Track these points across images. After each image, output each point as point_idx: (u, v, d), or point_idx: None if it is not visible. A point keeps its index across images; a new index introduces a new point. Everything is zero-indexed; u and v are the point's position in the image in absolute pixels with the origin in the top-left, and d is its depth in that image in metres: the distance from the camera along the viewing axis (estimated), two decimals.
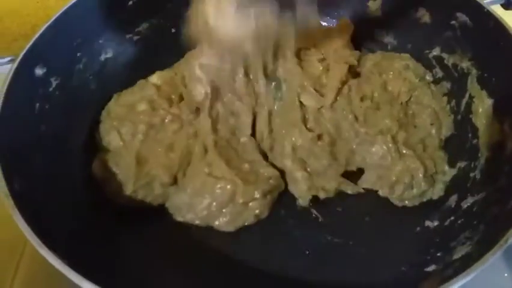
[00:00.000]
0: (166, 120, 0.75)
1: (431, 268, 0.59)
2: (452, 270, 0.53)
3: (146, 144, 0.73)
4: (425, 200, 0.70)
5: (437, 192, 0.70)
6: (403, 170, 0.70)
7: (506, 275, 0.71)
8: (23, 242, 0.71)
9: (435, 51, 0.79)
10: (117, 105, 0.77)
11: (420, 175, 0.70)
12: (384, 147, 0.72)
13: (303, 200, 0.70)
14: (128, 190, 0.68)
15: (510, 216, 0.52)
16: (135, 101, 0.77)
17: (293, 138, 0.72)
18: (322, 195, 0.70)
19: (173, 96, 0.78)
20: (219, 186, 0.68)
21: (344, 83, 0.77)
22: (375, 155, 0.72)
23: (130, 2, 0.82)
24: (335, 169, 0.72)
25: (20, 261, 0.71)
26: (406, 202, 0.71)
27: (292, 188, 0.71)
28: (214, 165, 0.70)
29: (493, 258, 0.48)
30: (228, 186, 0.67)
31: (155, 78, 0.80)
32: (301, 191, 0.70)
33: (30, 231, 0.48)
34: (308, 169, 0.71)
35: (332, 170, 0.71)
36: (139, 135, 0.73)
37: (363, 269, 0.65)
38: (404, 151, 0.72)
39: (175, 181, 0.71)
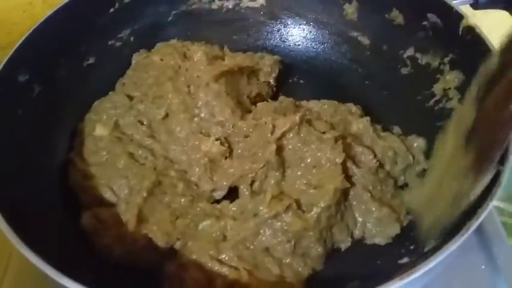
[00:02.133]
0: (177, 188, 0.72)
1: (404, 260, 0.62)
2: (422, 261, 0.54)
3: (149, 202, 0.69)
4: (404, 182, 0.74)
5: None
6: (385, 147, 0.73)
7: (483, 267, 0.73)
8: (9, 249, 0.71)
9: (409, 52, 0.81)
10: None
11: (404, 149, 0.73)
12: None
13: None
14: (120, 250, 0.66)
15: (474, 209, 0.54)
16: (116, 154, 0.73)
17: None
18: None
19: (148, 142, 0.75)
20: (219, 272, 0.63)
21: None
22: None
23: (112, 9, 0.84)
24: None
25: (8, 267, 0.72)
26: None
27: None
28: (226, 254, 0.65)
29: (454, 247, 0.50)
30: (231, 276, 0.63)
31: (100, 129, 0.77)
32: None
33: (9, 229, 0.50)
34: None
35: None
36: (142, 192, 0.69)
37: (341, 264, 0.67)
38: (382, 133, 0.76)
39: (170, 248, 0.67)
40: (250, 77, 0.85)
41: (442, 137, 0.62)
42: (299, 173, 0.70)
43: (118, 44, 0.87)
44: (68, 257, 0.54)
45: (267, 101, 0.81)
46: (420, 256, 0.58)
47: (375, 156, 0.72)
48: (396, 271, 0.57)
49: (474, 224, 0.51)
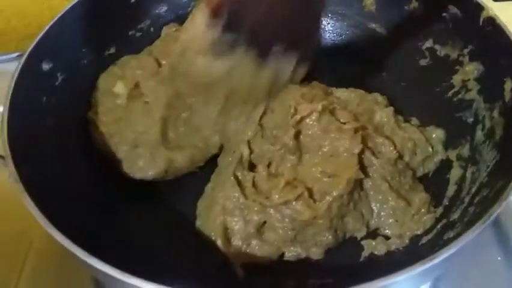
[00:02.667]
0: None
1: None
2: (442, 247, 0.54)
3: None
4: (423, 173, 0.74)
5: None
6: (405, 138, 0.74)
7: (499, 258, 0.73)
8: (29, 238, 0.74)
9: (428, 43, 0.82)
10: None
11: (423, 140, 0.74)
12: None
13: None
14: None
15: (496, 197, 0.54)
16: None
17: None
18: None
19: None
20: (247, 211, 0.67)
21: None
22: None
23: (132, 0, 0.85)
24: None
25: (27, 257, 0.73)
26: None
27: None
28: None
29: (474, 235, 0.50)
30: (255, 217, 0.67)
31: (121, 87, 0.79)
32: None
33: (38, 212, 0.51)
34: None
35: None
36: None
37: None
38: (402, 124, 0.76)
39: None
40: None
41: None
42: (316, 161, 0.71)
43: (138, 34, 0.87)
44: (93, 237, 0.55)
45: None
46: (439, 244, 0.59)
47: (395, 147, 0.72)
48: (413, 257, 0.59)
49: (496, 211, 0.51)
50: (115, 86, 0.78)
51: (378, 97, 0.80)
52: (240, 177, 0.70)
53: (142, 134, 0.74)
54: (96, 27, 0.81)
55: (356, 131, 0.71)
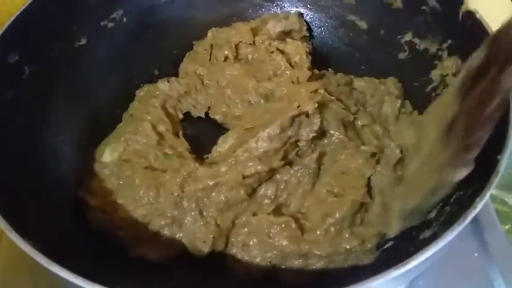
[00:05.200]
0: None
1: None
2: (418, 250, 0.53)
3: None
4: None
5: None
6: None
7: (476, 254, 0.74)
8: None
9: (408, 37, 0.81)
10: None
11: None
12: None
13: None
14: None
15: (473, 197, 0.53)
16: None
17: None
18: None
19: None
20: None
21: None
22: None
23: None
24: None
25: None
26: None
27: None
28: None
29: (452, 237, 0.49)
30: None
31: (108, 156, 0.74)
32: None
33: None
34: None
35: None
36: None
37: None
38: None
39: None
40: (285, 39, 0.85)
41: (421, 125, 0.63)
42: (326, 179, 0.70)
43: (111, 24, 0.84)
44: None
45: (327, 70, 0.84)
46: (416, 245, 0.58)
47: (401, 151, 0.72)
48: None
49: (472, 214, 0.50)
50: (102, 156, 0.74)
51: (391, 86, 0.79)
52: None
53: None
54: (66, 17, 0.78)
55: (372, 155, 0.71)
